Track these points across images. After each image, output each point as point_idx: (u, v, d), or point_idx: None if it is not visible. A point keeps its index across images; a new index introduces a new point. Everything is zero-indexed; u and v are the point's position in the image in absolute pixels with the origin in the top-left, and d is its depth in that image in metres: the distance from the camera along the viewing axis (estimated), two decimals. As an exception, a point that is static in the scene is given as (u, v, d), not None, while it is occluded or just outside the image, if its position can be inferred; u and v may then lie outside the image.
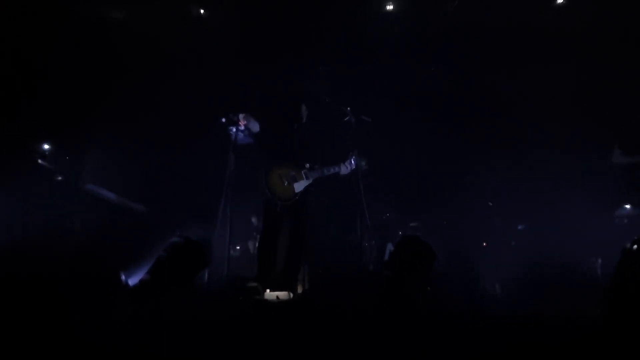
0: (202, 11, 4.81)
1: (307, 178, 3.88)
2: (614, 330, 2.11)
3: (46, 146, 4.69)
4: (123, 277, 2.86)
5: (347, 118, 4.06)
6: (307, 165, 3.91)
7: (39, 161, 4.60)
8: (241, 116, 3.75)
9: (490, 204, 4.98)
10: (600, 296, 2.42)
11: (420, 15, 4.97)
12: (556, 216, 4.79)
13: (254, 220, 5.01)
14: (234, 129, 3.76)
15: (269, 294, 3.50)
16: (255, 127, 3.83)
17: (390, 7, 4.95)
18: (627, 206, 4.42)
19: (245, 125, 3.76)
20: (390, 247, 4.39)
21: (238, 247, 4.88)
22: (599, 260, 4.24)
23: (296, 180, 3.84)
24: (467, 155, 5.16)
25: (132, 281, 2.92)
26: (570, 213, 4.78)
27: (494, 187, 5.04)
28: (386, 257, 4.26)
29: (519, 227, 4.92)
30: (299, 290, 3.80)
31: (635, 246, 2.29)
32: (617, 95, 4.79)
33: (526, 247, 4.45)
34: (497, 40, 4.96)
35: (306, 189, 3.87)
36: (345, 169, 3.94)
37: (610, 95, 4.84)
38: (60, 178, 4.67)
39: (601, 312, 2.31)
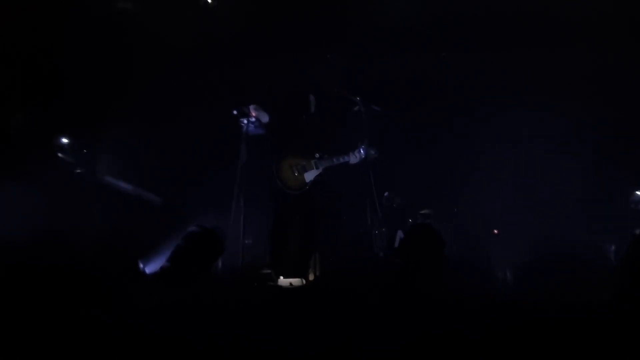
0: (209, 0, 4.78)
1: (317, 167, 3.95)
2: (622, 317, 2.12)
3: (65, 140, 4.82)
4: (141, 266, 2.97)
5: (357, 108, 4.09)
6: (317, 155, 3.98)
7: (59, 155, 4.74)
8: (251, 107, 3.83)
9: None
10: (610, 282, 2.43)
11: (431, 1, 4.91)
12: (569, 202, 4.75)
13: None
14: (245, 121, 3.84)
15: (282, 281, 3.59)
16: (265, 118, 3.91)
17: None
18: None
19: (255, 116, 3.83)
20: (400, 234, 4.42)
21: (251, 236, 4.96)
22: (613, 247, 4.21)
23: (306, 170, 3.92)
24: (477, 142, 5.13)
25: (150, 269, 3.02)
26: (583, 199, 4.74)
27: (505, 174, 5.00)
28: (396, 244, 4.30)
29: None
30: (311, 277, 3.89)
31: None
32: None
33: (538, 234, 4.43)
34: (513, 27, 4.85)
35: (316, 178, 3.94)
36: (354, 157, 3.99)
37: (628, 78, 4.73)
38: (79, 171, 4.81)
39: (609, 298, 2.32)
